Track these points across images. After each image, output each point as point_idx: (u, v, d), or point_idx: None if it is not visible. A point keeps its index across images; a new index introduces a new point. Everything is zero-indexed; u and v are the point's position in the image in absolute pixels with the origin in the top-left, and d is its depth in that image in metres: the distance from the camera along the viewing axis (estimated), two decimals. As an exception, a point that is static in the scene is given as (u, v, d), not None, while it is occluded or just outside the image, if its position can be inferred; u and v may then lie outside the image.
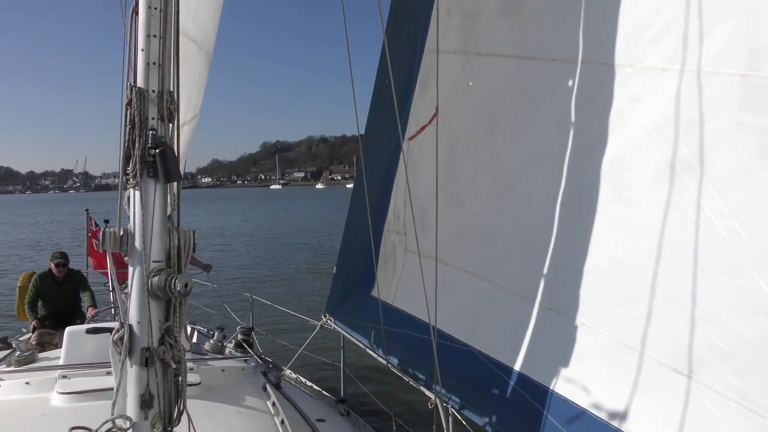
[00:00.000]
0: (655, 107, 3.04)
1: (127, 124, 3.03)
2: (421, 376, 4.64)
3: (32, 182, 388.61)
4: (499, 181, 4.21)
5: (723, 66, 2.74)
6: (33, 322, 7.65)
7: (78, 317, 7.89)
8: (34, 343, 6.32)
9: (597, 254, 3.32)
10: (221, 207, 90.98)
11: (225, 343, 6.14)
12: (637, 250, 3.08)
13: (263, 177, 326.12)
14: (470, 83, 4.34)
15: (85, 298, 8.32)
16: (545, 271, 3.66)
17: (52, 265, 7.97)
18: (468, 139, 4.40)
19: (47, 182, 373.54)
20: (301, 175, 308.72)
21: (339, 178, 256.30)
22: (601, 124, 3.36)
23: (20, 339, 7.45)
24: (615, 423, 3.08)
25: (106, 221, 10.46)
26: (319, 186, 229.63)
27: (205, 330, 7.97)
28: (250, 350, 6.29)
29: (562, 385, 3.41)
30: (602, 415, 3.16)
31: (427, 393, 4.36)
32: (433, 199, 4.34)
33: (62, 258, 8.05)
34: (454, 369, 4.14)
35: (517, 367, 3.74)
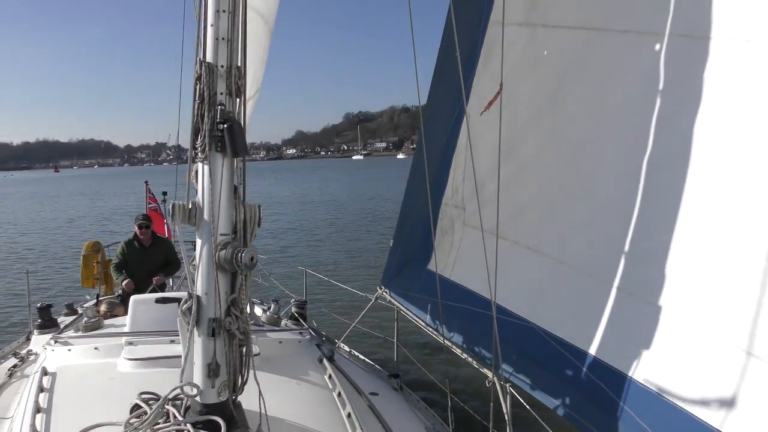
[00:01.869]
0: (738, 83, 2.90)
1: (197, 98, 3.06)
2: (478, 352, 4.62)
3: (129, 155, 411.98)
4: (563, 155, 4.10)
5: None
6: (121, 283, 7.65)
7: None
8: (103, 310, 6.56)
9: (668, 233, 3.21)
10: (296, 177, 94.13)
11: (280, 315, 6.26)
12: (714, 230, 2.96)
13: (346, 148, 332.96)
14: (535, 56, 4.22)
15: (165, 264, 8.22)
16: (612, 248, 3.56)
17: (136, 228, 7.93)
18: (531, 113, 4.30)
19: (143, 155, 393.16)
20: (383, 145, 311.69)
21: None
22: (676, 99, 3.23)
23: (86, 306, 7.74)
24: (693, 410, 2.96)
25: (164, 193, 10.72)
26: (401, 156, 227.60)
27: (260, 302, 8.13)
28: (304, 323, 6.39)
29: (632, 368, 3.31)
30: (678, 402, 3.05)
31: (484, 370, 4.34)
32: (492, 174, 4.27)
33: (145, 220, 8.04)
34: (513, 345, 4.10)
35: (582, 346, 3.67)
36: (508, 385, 3.80)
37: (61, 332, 5.74)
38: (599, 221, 3.75)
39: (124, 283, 7.53)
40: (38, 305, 6.60)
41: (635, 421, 3.28)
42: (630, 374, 3.35)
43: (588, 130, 3.88)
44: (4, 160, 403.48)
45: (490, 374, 4.03)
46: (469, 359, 4.65)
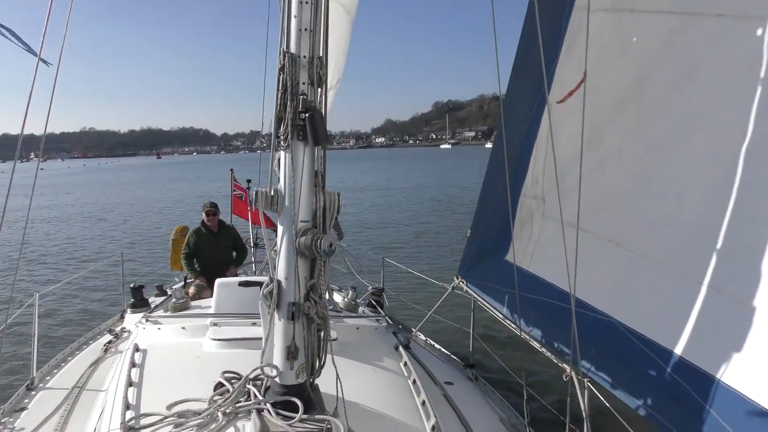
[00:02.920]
0: None
1: (280, 88, 3.15)
2: (555, 346, 4.53)
3: (226, 143, 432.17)
4: (649, 146, 3.94)
5: None
6: (192, 278, 7.79)
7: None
8: (191, 292, 6.87)
9: (763, 227, 3.03)
10: (382, 165, 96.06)
11: (358, 302, 6.35)
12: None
13: (434, 136, 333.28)
14: (622, 43, 4.08)
15: (236, 251, 8.44)
16: (700, 243, 3.41)
17: (204, 214, 8.05)
18: (615, 101, 4.15)
19: (238, 143, 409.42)
20: (472, 134, 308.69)
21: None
22: (775, 86, 3.04)
23: (174, 287, 8.13)
24: None
25: (249, 181, 11.06)
26: (488, 145, 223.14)
27: (338, 288, 8.27)
28: (381, 310, 6.46)
29: (719, 369, 3.15)
30: None
31: (561, 364, 4.25)
32: (573, 165, 4.16)
33: (212, 207, 8.11)
34: (591, 340, 4.00)
35: (665, 343, 3.53)
36: (586, 380, 3.70)
37: (151, 312, 6.06)
38: (687, 214, 3.59)
39: (196, 281, 7.59)
40: (131, 285, 7.00)
41: (719, 424, 3.13)
42: (717, 375, 3.20)
43: (676, 119, 3.72)
44: (112, 147, 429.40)
45: (567, 368, 3.95)
46: (546, 352, 4.56)
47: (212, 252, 7.95)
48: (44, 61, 3.61)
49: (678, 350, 3.49)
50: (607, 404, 3.80)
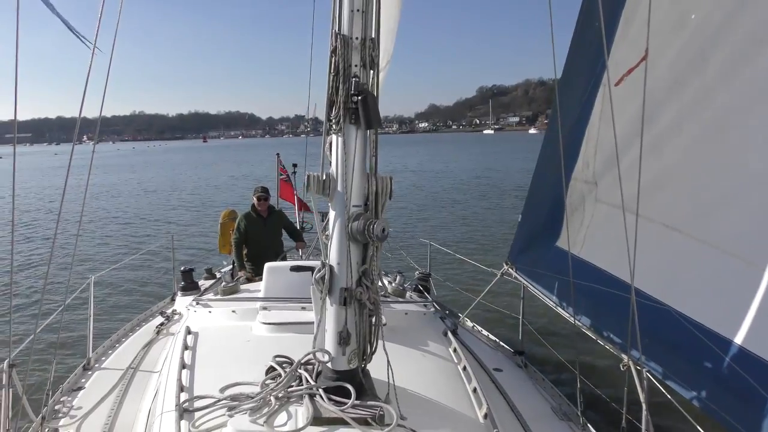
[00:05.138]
0: None
1: (332, 71, 3.11)
2: (609, 334, 4.42)
3: (270, 127, 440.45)
4: (708, 125, 3.77)
5: None
6: (241, 272, 7.61)
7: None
8: (242, 278, 6.95)
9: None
10: (424, 150, 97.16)
11: (405, 287, 6.32)
12: None
13: (477, 122, 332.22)
14: (681, 18, 3.90)
15: (290, 234, 8.44)
16: (763, 227, 3.26)
17: (255, 199, 7.94)
18: (673, 79, 3.98)
19: (283, 127, 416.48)
20: (516, 119, 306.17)
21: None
22: None
23: (223, 270, 8.25)
24: None
25: (294, 165, 11.12)
26: (532, 131, 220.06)
27: (385, 273, 8.26)
28: (428, 296, 6.42)
29: None
30: None
31: (617, 353, 4.15)
32: (627, 147, 4.03)
33: (264, 192, 8.01)
34: (646, 328, 3.87)
35: (724, 333, 3.40)
36: (645, 370, 3.59)
37: (201, 295, 6.16)
38: (748, 197, 3.43)
39: (241, 276, 7.34)
40: (182, 269, 7.13)
41: None
42: None
43: (738, 97, 3.55)
44: (161, 131, 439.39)
45: (625, 358, 3.84)
46: (600, 341, 4.46)
47: (262, 237, 7.92)
48: (97, 48, 3.66)
49: (738, 340, 3.35)
50: (669, 396, 3.69)
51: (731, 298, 3.41)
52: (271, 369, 3.51)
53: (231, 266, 8.52)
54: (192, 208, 29.79)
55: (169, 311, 6.34)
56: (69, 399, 4.52)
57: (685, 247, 3.80)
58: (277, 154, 11.52)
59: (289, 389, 3.28)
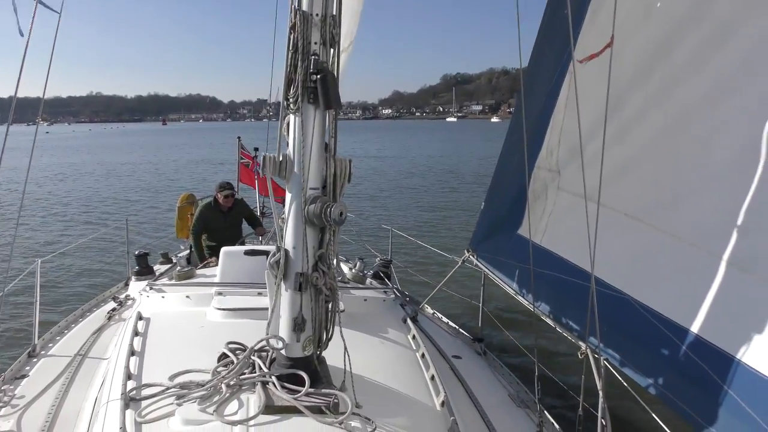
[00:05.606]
0: None
1: (290, 48, 2.99)
2: (568, 322, 4.43)
3: (232, 111, 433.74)
4: (672, 116, 3.78)
5: None
6: (200, 263, 7.27)
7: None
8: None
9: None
10: (387, 136, 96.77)
11: (365, 274, 6.24)
12: None
13: (441, 109, 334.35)
14: (647, 7, 3.89)
15: (249, 223, 8.25)
16: (725, 219, 3.27)
17: (220, 196, 7.66)
18: (638, 68, 3.97)
19: (245, 111, 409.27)
20: (479, 108, 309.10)
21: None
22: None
23: (179, 255, 8.04)
24: None
25: (256, 149, 10.91)
26: (494, 120, 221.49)
27: (345, 259, 8.17)
28: (389, 282, 6.35)
29: (740, 349, 3.04)
30: None
31: (575, 341, 4.15)
32: (591, 135, 4.00)
33: (230, 188, 7.78)
34: (604, 317, 3.86)
35: (682, 322, 3.42)
36: (602, 358, 3.60)
37: (155, 280, 5.97)
38: (711, 188, 3.45)
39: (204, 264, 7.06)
40: (136, 253, 6.90)
41: (737, 404, 3.04)
42: (737, 356, 3.10)
43: (703, 89, 3.55)
44: (119, 112, 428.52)
45: (583, 346, 3.84)
46: (559, 329, 4.46)
47: (222, 230, 7.75)
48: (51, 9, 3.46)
49: (695, 329, 3.38)
50: (624, 383, 3.70)
51: (689, 288, 3.43)
52: (223, 356, 3.42)
53: (188, 251, 8.32)
54: (148, 191, 29.07)
55: (122, 296, 6.14)
56: (11, 388, 4.30)
57: (646, 237, 3.81)
58: (239, 137, 11.27)
59: (242, 377, 3.19)
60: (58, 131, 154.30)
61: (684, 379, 3.40)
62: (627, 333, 3.85)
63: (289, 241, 3.14)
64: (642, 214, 3.92)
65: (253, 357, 3.30)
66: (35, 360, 4.85)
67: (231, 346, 3.48)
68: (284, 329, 3.20)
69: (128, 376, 3.44)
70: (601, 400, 3.45)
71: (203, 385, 3.12)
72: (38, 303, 5.60)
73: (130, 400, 3.14)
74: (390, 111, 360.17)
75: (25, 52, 3.50)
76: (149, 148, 73.21)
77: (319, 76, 2.92)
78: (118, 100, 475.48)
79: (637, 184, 4.01)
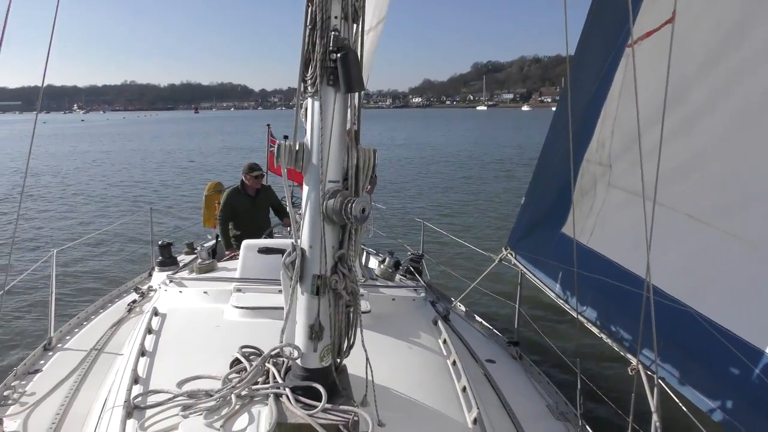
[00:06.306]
0: None
1: (308, 23, 2.65)
2: (615, 332, 4.02)
3: (263, 99, 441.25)
4: (745, 106, 3.31)
5: None
6: (227, 252, 7.20)
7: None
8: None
9: None
10: (416, 125, 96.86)
11: (395, 270, 5.92)
12: None
13: (471, 98, 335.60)
14: None
15: (276, 212, 8.01)
16: None
17: (249, 177, 7.42)
18: (707, 52, 3.51)
19: (276, 99, 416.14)
20: (510, 96, 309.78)
21: (549, 100, 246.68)
22: None
23: (204, 245, 7.82)
24: None
25: (285, 137, 10.64)
26: (525, 108, 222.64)
27: (375, 252, 7.86)
28: (419, 278, 6.05)
29: None
30: None
31: (623, 354, 3.74)
32: (649, 127, 3.55)
33: (260, 169, 7.52)
34: (662, 330, 3.44)
35: (754, 341, 2.99)
36: (656, 377, 3.19)
37: (176, 272, 5.75)
38: None
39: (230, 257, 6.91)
40: (159, 243, 6.69)
41: None
42: None
43: None
44: (153, 101, 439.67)
45: (633, 361, 3.43)
46: (605, 338, 4.05)
47: (250, 216, 7.47)
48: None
49: None
50: (682, 406, 3.29)
51: (765, 302, 2.99)
52: (236, 362, 3.16)
53: (214, 241, 8.10)
54: (176, 179, 29.12)
55: (144, 287, 5.96)
56: (23, 383, 4.14)
57: (712, 241, 3.36)
58: (268, 125, 11.02)
59: (254, 386, 2.92)
60: (92, 119, 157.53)
61: (755, 407, 2.97)
62: (687, 350, 3.43)
63: (305, 240, 2.81)
64: (708, 216, 3.46)
65: (267, 364, 3.03)
66: (50, 354, 4.71)
67: (245, 350, 3.22)
68: (300, 337, 2.90)
69: (135, 380, 3.26)
70: (654, 421, 3.06)
71: (212, 395, 2.87)
72: (54, 294, 5.43)
73: (133, 409, 2.94)
74: (420, 99, 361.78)
75: (50, 45, 3.31)
76: (182, 135, 73.94)
77: (339, 55, 2.56)
78: (151, 89, 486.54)
79: (703, 181, 3.55)
